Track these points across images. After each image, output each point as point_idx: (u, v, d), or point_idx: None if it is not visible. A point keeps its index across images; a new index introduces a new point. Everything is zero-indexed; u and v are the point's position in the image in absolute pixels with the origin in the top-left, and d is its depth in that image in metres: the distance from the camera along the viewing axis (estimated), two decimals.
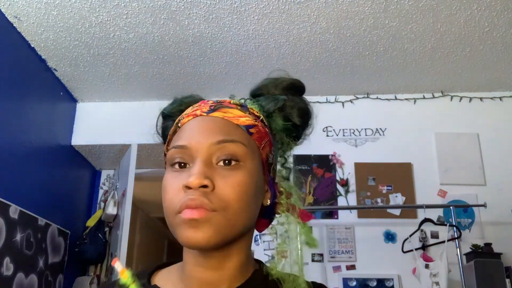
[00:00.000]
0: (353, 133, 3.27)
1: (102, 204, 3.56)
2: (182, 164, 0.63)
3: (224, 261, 0.65)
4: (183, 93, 0.79)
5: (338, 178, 3.17)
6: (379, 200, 3.09)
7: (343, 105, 3.36)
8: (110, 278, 3.10)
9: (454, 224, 2.69)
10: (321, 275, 2.90)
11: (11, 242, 2.45)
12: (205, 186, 0.59)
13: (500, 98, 3.30)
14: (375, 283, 2.88)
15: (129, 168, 3.01)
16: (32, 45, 2.78)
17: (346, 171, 3.18)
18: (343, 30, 2.67)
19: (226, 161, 0.62)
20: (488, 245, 2.73)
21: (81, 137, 3.36)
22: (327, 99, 3.36)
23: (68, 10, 2.48)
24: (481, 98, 3.30)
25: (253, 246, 2.93)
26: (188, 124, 0.66)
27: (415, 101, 3.34)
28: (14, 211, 2.49)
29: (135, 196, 3.24)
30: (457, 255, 2.62)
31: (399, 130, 3.25)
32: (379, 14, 2.53)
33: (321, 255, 2.98)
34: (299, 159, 3.19)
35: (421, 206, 2.82)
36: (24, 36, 2.70)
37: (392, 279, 2.87)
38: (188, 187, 0.59)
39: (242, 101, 0.73)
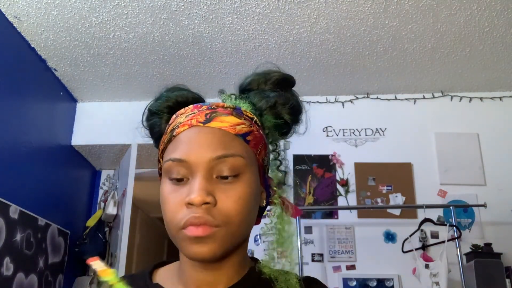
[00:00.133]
0: (353, 133, 3.27)
1: (102, 204, 3.56)
2: (181, 178, 0.63)
3: (222, 262, 0.65)
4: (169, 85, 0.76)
5: (338, 178, 3.17)
6: (379, 200, 3.09)
7: (343, 105, 3.36)
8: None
9: (454, 224, 2.69)
10: (321, 275, 2.90)
11: (11, 242, 2.45)
12: (207, 203, 0.59)
13: (500, 98, 3.30)
14: (375, 283, 2.88)
15: (129, 168, 3.01)
16: (32, 45, 2.78)
17: (346, 171, 3.18)
18: (343, 30, 2.67)
19: (226, 175, 0.62)
20: (488, 245, 2.72)
21: (81, 137, 3.36)
22: (327, 99, 3.35)
23: (68, 10, 2.48)
24: (481, 98, 3.30)
25: (253, 246, 2.94)
26: (184, 135, 0.65)
27: (415, 101, 3.34)
28: (14, 211, 2.49)
29: (135, 196, 3.24)
30: (457, 255, 2.62)
31: (399, 130, 3.25)
32: (379, 14, 2.53)
33: (321, 255, 2.98)
34: (299, 159, 3.19)
35: (421, 206, 2.82)
36: (24, 36, 2.70)
37: (392, 279, 2.87)
38: (191, 204, 0.59)
39: (233, 97, 0.73)
